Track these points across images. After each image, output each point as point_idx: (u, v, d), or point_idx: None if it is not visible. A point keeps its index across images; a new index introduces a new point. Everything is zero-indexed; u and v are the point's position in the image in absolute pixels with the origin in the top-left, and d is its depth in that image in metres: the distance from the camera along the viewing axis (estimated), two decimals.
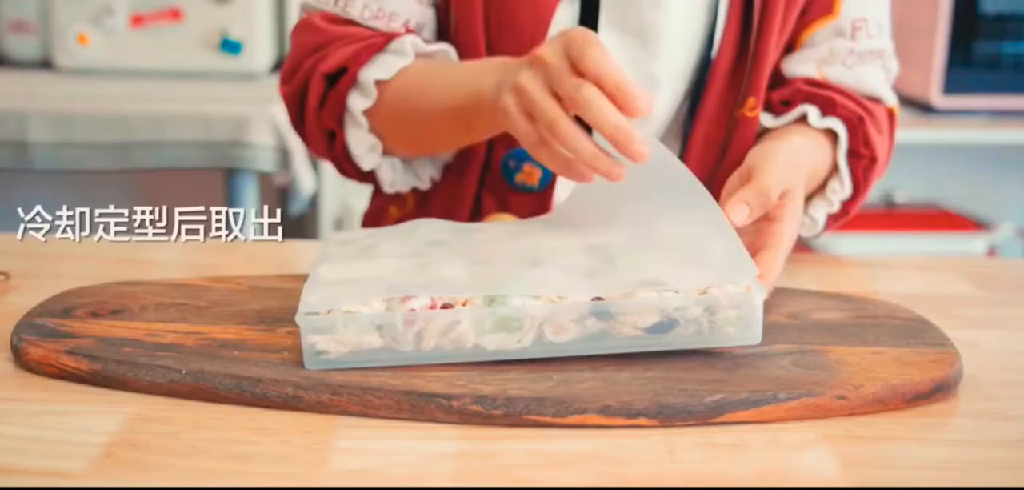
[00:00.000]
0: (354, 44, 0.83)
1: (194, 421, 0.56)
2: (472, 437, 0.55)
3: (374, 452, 0.53)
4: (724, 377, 0.59)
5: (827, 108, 0.86)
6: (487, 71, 0.75)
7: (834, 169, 0.87)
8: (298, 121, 0.88)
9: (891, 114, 0.92)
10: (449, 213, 0.89)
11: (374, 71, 0.82)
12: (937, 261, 0.93)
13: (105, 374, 0.59)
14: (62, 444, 0.53)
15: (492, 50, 0.85)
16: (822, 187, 0.87)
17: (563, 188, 0.89)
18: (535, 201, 0.88)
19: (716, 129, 0.88)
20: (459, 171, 0.90)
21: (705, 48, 0.86)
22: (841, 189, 0.87)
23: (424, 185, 0.91)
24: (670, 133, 0.90)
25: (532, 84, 0.67)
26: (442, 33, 0.89)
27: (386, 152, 0.87)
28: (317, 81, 0.83)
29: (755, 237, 0.72)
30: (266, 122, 1.53)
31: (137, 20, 1.74)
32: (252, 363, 0.59)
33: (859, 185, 0.87)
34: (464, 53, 0.86)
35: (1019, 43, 1.97)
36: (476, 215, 0.90)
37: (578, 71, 0.65)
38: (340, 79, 0.83)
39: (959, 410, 0.60)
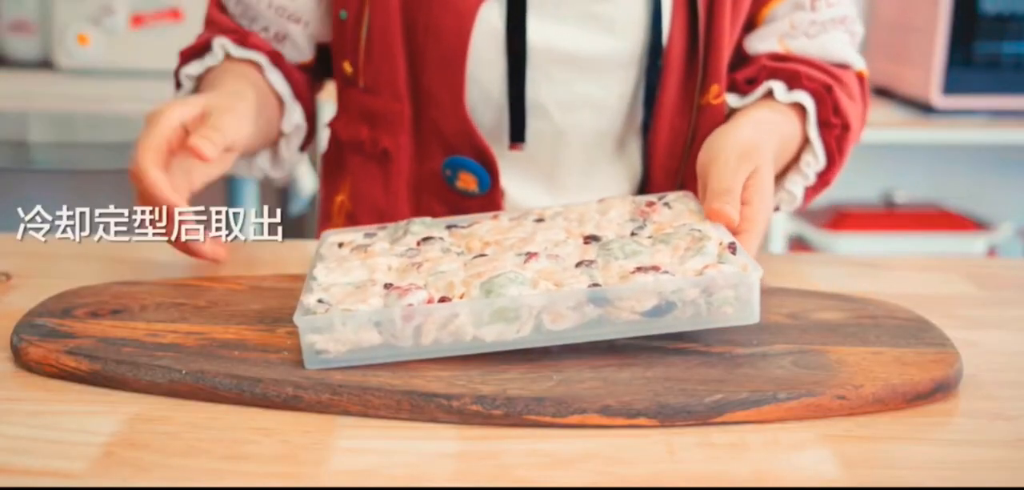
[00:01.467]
0: (210, 33, 0.91)
1: (194, 421, 0.56)
2: (472, 437, 0.55)
3: (374, 452, 0.53)
4: (724, 377, 0.59)
5: (792, 81, 0.85)
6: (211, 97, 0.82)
7: (806, 142, 0.86)
8: None
9: (861, 78, 0.91)
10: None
11: (192, 67, 0.90)
12: (937, 261, 0.93)
13: (105, 374, 0.59)
14: (62, 444, 0.53)
15: (413, 54, 0.85)
16: (796, 160, 0.87)
17: (514, 183, 0.89)
18: (480, 203, 0.88)
19: (680, 118, 0.88)
20: (384, 186, 0.90)
21: (653, 34, 0.85)
22: (815, 161, 0.86)
23: (259, 176, 0.96)
24: (628, 120, 0.89)
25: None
26: (345, 49, 0.89)
27: None
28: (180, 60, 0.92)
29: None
30: None
31: (137, 20, 1.75)
32: (252, 363, 0.59)
33: (834, 154, 0.87)
34: (381, 65, 0.87)
35: (1019, 43, 1.97)
36: None
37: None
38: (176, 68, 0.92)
39: (959, 410, 0.60)
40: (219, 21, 0.92)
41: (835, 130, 0.86)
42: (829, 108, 0.85)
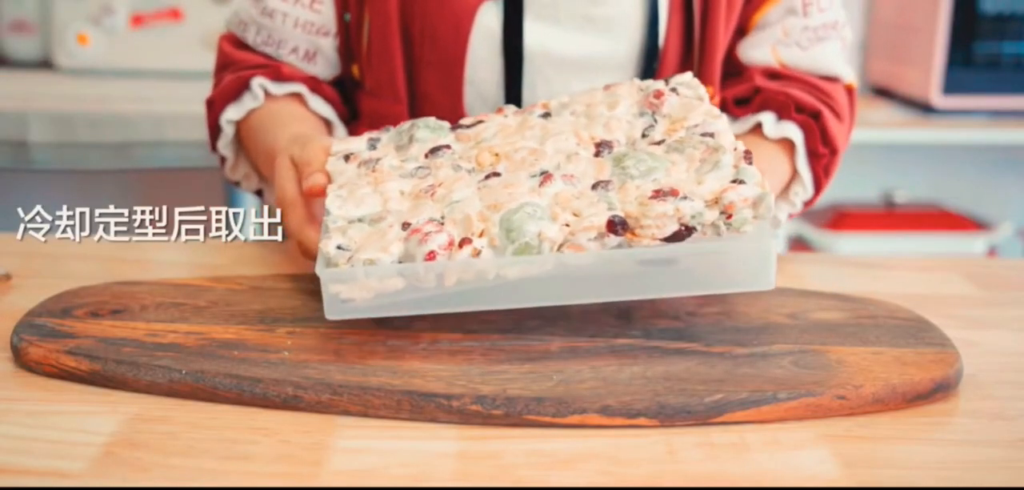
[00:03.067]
0: (233, 76, 0.90)
1: (194, 421, 0.56)
2: (472, 437, 0.55)
3: (374, 452, 0.53)
4: (724, 377, 0.59)
5: (783, 112, 0.86)
6: (281, 142, 0.81)
7: (794, 173, 0.88)
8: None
9: (850, 90, 0.92)
10: None
11: (231, 112, 0.89)
12: (937, 261, 0.93)
13: (105, 374, 0.59)
14: (62, 444, 0.53)
15: (412, 61, 0.86)
16: (785, 190, 0.89)
17: None
18: None
19: None
20: None
21: (650, 37, 0.86)
22: (803, 191, 0.88)
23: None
24: None
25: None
26: (352, 52, 0.90)
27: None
28: (207, 108, 0.91)
29: None
30: None
31: (137, 20, 1.74)
32: (252, 363, 0.59)
33: (821, 181, 0.88)
34: (380, 68, 0.87)
35: (1019, 43, 1.97)
36: None
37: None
38: (211, 113, 0.91)
39: (959, 410, 0.60)
40: (243, 59, 0.91)
41: (823, 159, 0.87)
42: (817, 138, 0.86)
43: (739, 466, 0.52)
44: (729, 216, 0.60)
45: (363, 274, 0.58)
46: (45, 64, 1.83)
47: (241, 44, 0.92)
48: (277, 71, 0.89)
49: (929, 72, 1.94)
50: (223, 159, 0.93)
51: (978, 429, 0.58)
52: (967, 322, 0.74)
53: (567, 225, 0.60)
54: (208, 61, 1.76)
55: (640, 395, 0.56)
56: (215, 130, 0.91)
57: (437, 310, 0.61)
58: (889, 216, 2.16)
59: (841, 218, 2.13)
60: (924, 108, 1.96)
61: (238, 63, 0.91)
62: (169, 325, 0.65)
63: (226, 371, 0.58)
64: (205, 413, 0.56)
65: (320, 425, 0.55)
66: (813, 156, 0.87)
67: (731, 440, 0.55)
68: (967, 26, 1.93)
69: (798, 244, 2.15)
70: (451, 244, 0.59)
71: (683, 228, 0.59)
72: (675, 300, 0.72)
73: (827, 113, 0.87)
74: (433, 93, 0.86)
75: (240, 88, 0.89)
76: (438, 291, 0.59)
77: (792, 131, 0.86)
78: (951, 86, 1.94)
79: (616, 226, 0.59)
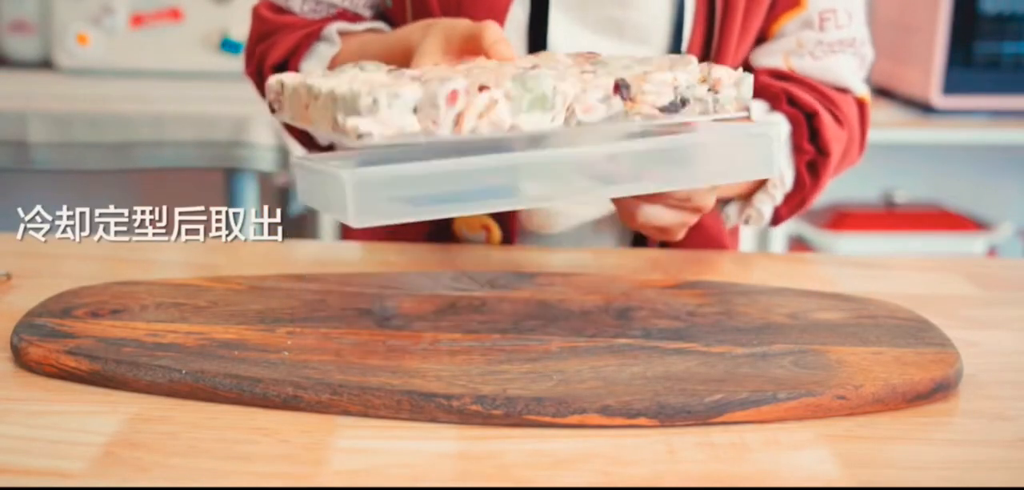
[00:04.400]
0: (295, 33, 0.87)
1: (194, 421, 0.56)
2: (472, 437, 0.55)
3: (374, 452, 0.53)
4: (724, 377, 0.59)
5: (775, 102, 0.86)
6: (414, 25, 0.77)
7: None
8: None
9: (862, 104, 0.92)
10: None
11: (310, 63, 0.86)
12: (937, 261, 0.93)
13: (105, 374, 0.59)
14: (62, 444, 0.53)
15: None
16: (763, 181, 0.88)
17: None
18: None
19: None
20: None
21: (674, 42, 0.86)
22: (781, 184, 0.88)
23: None
24: None
25: (451, 28, 0.71)
26: (394, 23, 0.90)
27: None
28: (267, 73, 0.87)
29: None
30: (266, 122, 1.53)
31: (137, 20, 1.74)
32: (252, 363, 0.59)
33: (804, 179, 0.88)
34: None
35: (1019, 43, 1.97)
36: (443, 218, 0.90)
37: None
38: (284, 71, 0.87)
39: (959, 410, 0.60)
40: (294, 23, 0.90)
41: (807, 155, 0.87)
42: (804, 134, 0.86)
43: (739, 466, 0.52)
44: (716, 91, 0.65)
45: (386, 103, 0.57)
46: (45, 64, 1.84)
47: (281, 9, 0.91)
48: (343, 15, 0.88)
49: (929, 72, 1.94)
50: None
51: (978, 429, 0.58)
52: (967, 322, 0.74)
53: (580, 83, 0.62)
54: (208, 61, 1.77)
55: (640, 395, 0.56)
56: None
57: (456, 167, 0.60)
58: (889, 216, 2.16)
59: (841, 218, 2.13)
60: (924, 108, 1.96)
61: (289, 25, 0.89)
62: (169, 325, 0.65)
63: (226, 371, 0.58)
64: (205, 413, 0.56)
65: (320, 425, 0.55)
66: (796, 151, 0.87)
67: (731, 440, 0.55)
68: (967, 26, 1.93)
69: (798, 244, 2.15)
70: (469, 90, 0.59)
71: (679, 100, 0.64)
72: (675, 301, 0.72)
73: (825, 114, 0.87)
74: None
75: (309, 42, 0.87)
76: (452, 138, 0.58)
77: (779, 122, 0.86)
78: (951, 86, 1.94)
79: (621, 88, 0.62)
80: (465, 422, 0.56)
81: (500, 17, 0.83)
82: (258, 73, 0.91)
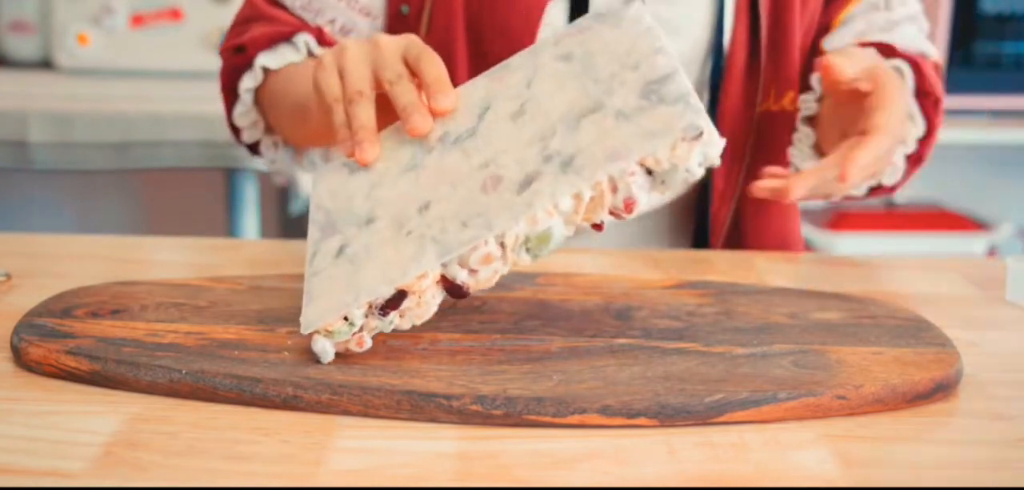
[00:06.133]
0: (269, 27, 0.87)
1: (194, 421, 0.56)
2: (472, 437, 0.55)
3: (374, 452, 0.53)
4: (724, 377, 0.59)
5: (887, 52, 0.86)
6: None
7: None
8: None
9: (937, 66, 0.92)
10: None
11: (266, 58, 0.86)
12: (937, 261, 0.93)
13: (105, 374, 0.59)
14: (62, 444, 0.53)
15: (476, 51, 0.85)
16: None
17: None
18: None
19: (740, 124, 0.88)
20: None
21: (716, 37, 0.86)
22: (915, 128, 0.87)
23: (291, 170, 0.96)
24: None
25: (356, 49, 0.68)
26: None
27: (271, 134, 0.92)
28: (225, 52, 0.89)
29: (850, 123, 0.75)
30: None
31: (137, 20, 1.74)
32: (252, 363, 0.59)
33: (932, 123, 0.87)
34: (439, 52, 0.85)
35: (1019, 43, 1.97)
36: None
37: (409, 70, 0.66)
38: (240, 56, 0.88)
39: (959, 410, 0.60)
40: (278, 16, 0.90)
41: (931, 98, 0.87)
42: (924, 80, 0.86)
43: (739, 466, 0.52)
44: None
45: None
46: (45, 64, 1.84)
47: (275, 3, 0.91)
48: (321, 34, 0.88)
49: None
50: (231, 100, 0.91)
51: (978, 429, 0.58)
52: (967, 322, 0.74)
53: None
54: (208, 61, 1.77)
55: (640, 395, 0.56)
56: (232, 74, 0.89)
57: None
58: (889, 216, 2.16)
59: (841, 218, 2.13)
60: None
61: (274, 18, 0.90)
62: (169, 325, 0.65)
63: (226, 371, 0.58)
64: (205, 413, 0.56)
65: (320, 425, 0.55)
66: (921, 95, 0.86)
67: (731, 440, 0.55)
68: (967, 26, 1.93)
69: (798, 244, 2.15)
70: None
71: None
72: (675, 301, 0.72)
73: (925, 65, 0.87)
74: None
75: (278, 40, 0.87)
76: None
77: (901, 65, 0.85)
78: (951, 86, 1.93)
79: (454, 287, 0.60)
80: (465, 422, 0.56)
81: (536, 18, 0.82)
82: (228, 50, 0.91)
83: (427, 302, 0.59)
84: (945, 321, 0.70)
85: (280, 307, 0.69)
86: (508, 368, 0.60)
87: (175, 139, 1.53)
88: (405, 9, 0.87)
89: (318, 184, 0.70)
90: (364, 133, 0.66)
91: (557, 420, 0.55)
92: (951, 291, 0.84)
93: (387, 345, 0.63)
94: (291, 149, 0.95)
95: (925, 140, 0.89)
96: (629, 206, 0.58)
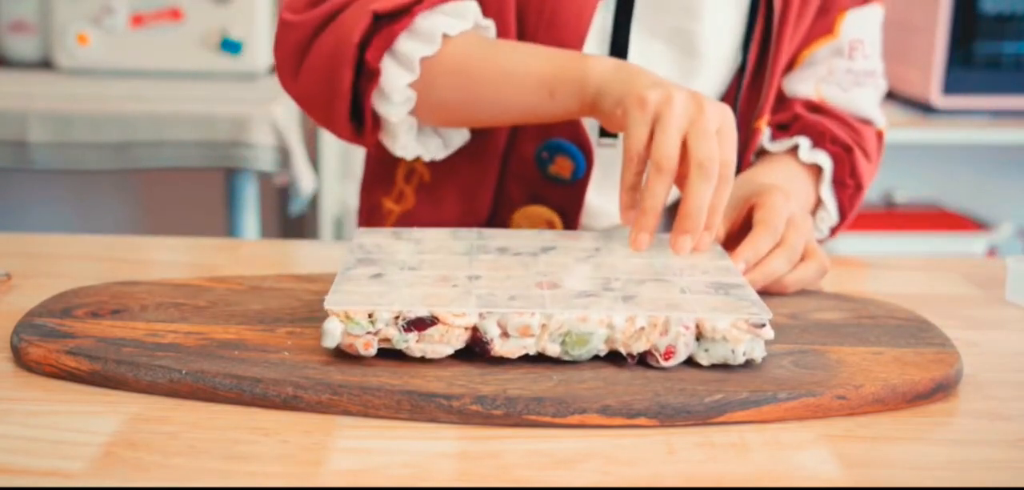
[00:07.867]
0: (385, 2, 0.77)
1: (194, 421, 0.56)
2: (472, 437, 0.55)
3: (374, 452, 0.53)
4: (724, 377, 0.59)
5: (818, 140, 0.91)
6: (593, 58, 0.76)
7: (819, 201, 0.92)
8: (302, 50, 0.81)
9: (880, 136, 0.97)
10: (466, 204, 0.89)
11: (440, 22, 0.77)
12: (937, 261, 0.93)
13: (105, 374, 0.59)
14: (62, 444, 0.53)
15: (525, 39, 0.85)
16: (812, 215, 0.92)
17: (595, 186, 0.89)
18: (566, 193, 0.89)
19: (739, 137, 0.89)
20: (474, 161, 0.89)
21: (741, 59, 0.88)
22: (829, 217, 0.92)
23: (430, 155, 0.86)
24: None
25: (682, 109, 0.68)
26: None
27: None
28: (363, 15, 0.77)
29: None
30: (266, 122, 1.53)
31: (137, 20, 1.74)
32: (252, 363, 0.59)
33: (845, 211, 0.92)
34: None
35: (1019, 43, 1.96)
36: (500, 205, 0.90)
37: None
38: (394, 20, 0.77)
39: (959, 410, 0.60)
40: None
41: (849, 189, 0.91)
42: (846, 169, 0.91)
43: (739, 466, 0.52)
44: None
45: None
46: (45, 64, 1.83)
47: None
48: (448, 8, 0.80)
49: (929, 72, 1.94)
50: (371, 80, 0.78)
51: (978, 429, 0.58)
52: (967, 322, 0.74)
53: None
54: (208, 61, 1.77)
55: (640, 395, 0.56)
56: (388, 38, 0.77)
57: None
58: (889, 216, 2.16)
59: None
60: (924, 108, 1.96)
61: None
62: (169, 325, 0.65)
63: (226, 371, 0.58)
64: (205, 413, 0.56)
65: (320, 425, 0.55)
66: (839, 185, 0.91)
67: (731, 440, 0.55)
68: (967, 26, 1.93)
69: None
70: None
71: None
72: None
73: (857, 151, 0.91)
74: None
75: (401, 15, 0.77)
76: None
77: (822, 159, 0.90)
78: (951, 86, 1.94)
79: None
80: (465, 422, 0.56)
81: (585, 24, 0.83)
82: (327, 20, 0.79)
83: (448, 341, 0.60)
84: (945, 321, 0.70)
85: (280, 307, 0.69)
86: (508, 368, 0.60)
87: (175, 139, 1.53)
88: None
89: (362, 236, 0.73)
90: (651, 218, 0.68)
91: (557, 420, 0.55)
92: (951, 291, 0.84)
93: None
94: (421, 130, 0.84)
95: (838, 225, 0.93)
96: (668, 354, 0.60)
